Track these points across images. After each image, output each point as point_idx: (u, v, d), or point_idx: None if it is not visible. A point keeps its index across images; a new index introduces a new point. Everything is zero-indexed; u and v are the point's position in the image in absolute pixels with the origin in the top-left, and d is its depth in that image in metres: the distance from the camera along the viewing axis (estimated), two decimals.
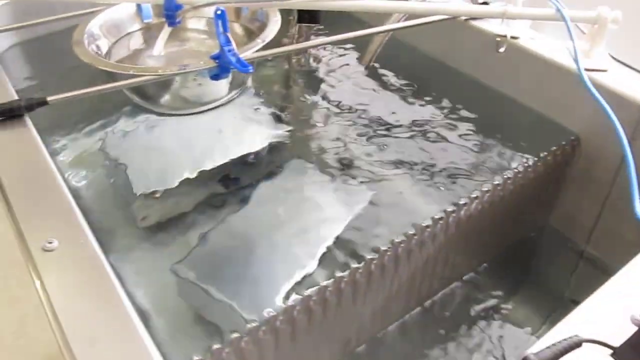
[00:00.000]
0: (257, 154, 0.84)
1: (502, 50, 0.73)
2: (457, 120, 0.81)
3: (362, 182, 0.80)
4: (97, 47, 0.76)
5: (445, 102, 0.84)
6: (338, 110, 0.87)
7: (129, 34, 0.81)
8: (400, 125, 0.84)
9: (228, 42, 0.65)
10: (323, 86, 0.89)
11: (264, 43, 0.70)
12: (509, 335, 0.82)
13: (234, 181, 0.84)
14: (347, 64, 0.92)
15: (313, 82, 0.90)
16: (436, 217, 0.65)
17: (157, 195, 0.75)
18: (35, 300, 0.43)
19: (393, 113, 0.85)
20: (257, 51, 0.70)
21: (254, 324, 0.52)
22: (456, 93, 0.83)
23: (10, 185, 0.52)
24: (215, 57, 0.67)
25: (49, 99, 0.62)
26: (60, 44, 0.87)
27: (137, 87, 0.70)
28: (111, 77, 0.68)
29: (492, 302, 0.82)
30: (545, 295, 0.86)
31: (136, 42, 0.81)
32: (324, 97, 0.88)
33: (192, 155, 0.82)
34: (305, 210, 0.77)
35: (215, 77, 0.68)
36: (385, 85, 0.88)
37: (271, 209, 0.78)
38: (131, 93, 0.74)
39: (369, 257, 0.61)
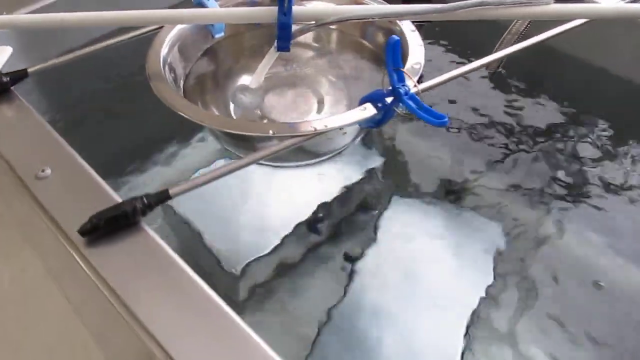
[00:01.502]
0: (350, 190, 0.68)
1: None
2: (621, 145, 0.67)
3: (485, 219, 0.67)
4: (174, 76, 0.55)
5: (602, 119, 0.69)
6: (453, 129, 0.71)
7: (203, 55, 0.60)
8: (536, 147, 0.69)
9: (402, 80, 0.47)
10: (435, 97, 0.72)
11: (420, 71, 0.52)
12: None
13: (332, 234, 0.68)
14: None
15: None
16: None
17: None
18: None
19: (524, 132, 0.70)
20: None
21: None
22: (618, 107, 0.68)
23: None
24: (373, 100, 0.49)
25: (171, 191, 0.42)
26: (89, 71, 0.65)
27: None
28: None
29: None
30: None
31: (215, 67, 0.61)
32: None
33: (285, 207, 0.65)
34: (428, 269, 0.63)
35: (377, 125, 0.50)
36: (516, 96, 0.72)
37: (386, 270, 0.64)
38: (224, 139, 0.55)
39: None
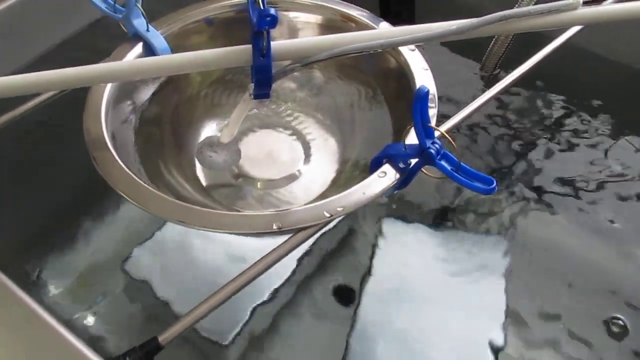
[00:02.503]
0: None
1: None
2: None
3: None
4: (121, 137, 0.43)
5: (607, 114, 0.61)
6: None
7: (151, 101, 0.47)
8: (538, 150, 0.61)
9: (431, 135, 0.37)
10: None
11: (436, 107, 0.42)
12: None
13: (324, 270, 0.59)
14: (451, 69, 0.65)
15: None
16: None
17: None
18: None
19: (525, 137, 0.62)
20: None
21: None
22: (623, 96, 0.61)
23: None
24: (391, 158, 0.39)
25: (161, 338, 0.31)
26: None
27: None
28: None
29: None
30: None
31: (170, 114, 0.48)
32: None
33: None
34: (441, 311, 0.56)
35: (398, 188, 0.40)
36: (519, 106, 0.63)
37: (399, 317, 0.55)
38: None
39: None
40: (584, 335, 0.53)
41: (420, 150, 0.37)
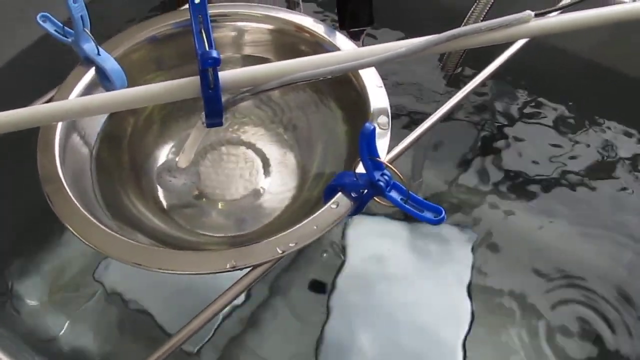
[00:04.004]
0: None
1: None
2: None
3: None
4: (78, 170, 0.43)
5: (564, 105, 0.62)
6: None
7: (105, 128, 0.47)
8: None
9: (380, 167, 0.37)
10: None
11: (389, 130, 0.42)
12: None
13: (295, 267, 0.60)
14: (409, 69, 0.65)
15: None
16: None
17: None
18: None
19: (489, 133, 0.62)
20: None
21: None
22: (580, 89, 0.61)
23: None
24: (344, 188, 0.39)
25: None
26: None
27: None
28: None
29: None
30: None
31: (127, 141, 0.48)
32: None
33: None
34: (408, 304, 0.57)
35: (350, 216, 0.41)
36: (483, 97, 0.63)
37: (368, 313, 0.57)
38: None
39: None
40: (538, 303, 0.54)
41: (370, 184, 0.37)
